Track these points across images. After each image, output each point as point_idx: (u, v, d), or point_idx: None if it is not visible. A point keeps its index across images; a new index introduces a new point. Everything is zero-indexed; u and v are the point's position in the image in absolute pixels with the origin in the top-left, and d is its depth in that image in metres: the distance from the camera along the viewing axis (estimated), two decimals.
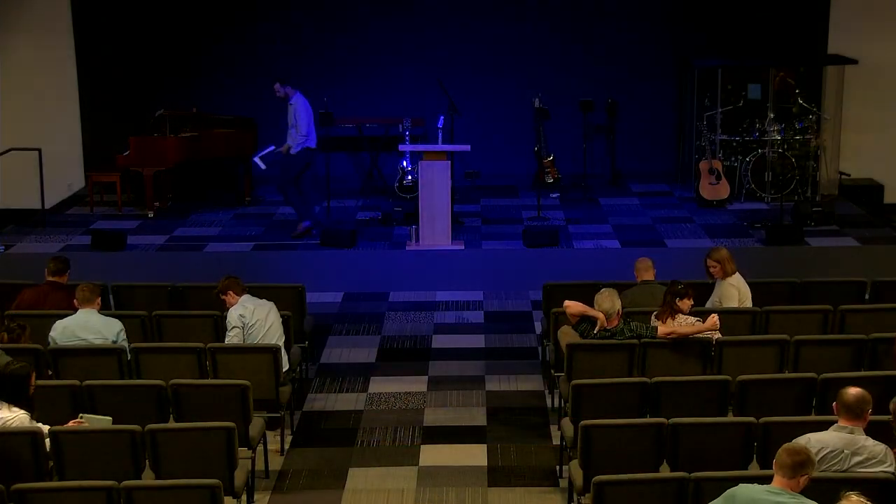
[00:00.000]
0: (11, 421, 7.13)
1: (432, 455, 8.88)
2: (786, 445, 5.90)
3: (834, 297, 9.88)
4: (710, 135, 15.30)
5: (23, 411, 7.18)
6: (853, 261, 12.76)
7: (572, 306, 8.75)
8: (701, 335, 8.62)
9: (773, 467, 5.86)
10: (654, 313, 8.88)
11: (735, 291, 9.59)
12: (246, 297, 9.19)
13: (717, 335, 8.68)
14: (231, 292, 9.18)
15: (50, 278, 9.89)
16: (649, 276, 9.83)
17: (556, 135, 15.56)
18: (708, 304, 9.69)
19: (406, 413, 9.69)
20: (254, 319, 9.05)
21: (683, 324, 8.73)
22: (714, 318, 8.58)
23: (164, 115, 14.75)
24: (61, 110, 16.15)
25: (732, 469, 6.89)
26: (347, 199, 15.46)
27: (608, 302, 8.64)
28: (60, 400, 7.96)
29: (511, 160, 16.35)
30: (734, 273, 9.66)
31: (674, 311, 8.77)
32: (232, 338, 9.02)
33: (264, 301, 9.27)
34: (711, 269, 9.67)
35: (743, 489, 5.81)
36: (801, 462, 5.77)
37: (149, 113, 15.08)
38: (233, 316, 9.07)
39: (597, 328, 8.61)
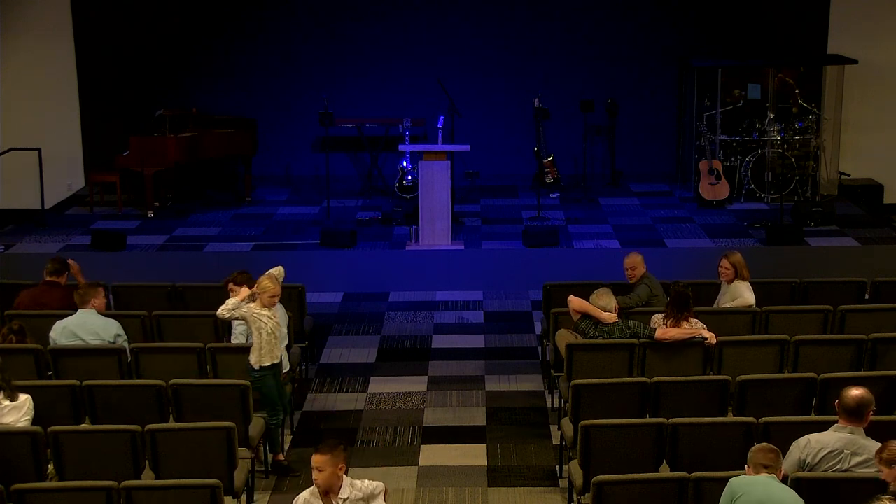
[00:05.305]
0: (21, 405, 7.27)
1: (432, 455, 8.88)
2: (757, 447, 6.16)
3: (834, 297, 9.88)
4: (710, 135, 15.29)
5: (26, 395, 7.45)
6: (853, 261, 12.76)
7: (576, 301, 8.81)
8: (695, 339, 8.62)
9: (753, 470, 6.09)
10: (662, 315, 8.81)
11: (750, 295, 9.55)
12: None
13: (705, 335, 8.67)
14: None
15: (48, 278, 9.89)
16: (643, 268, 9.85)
17: (556, 135, 15.57)
18: (718, 306, 9.64)
19: (406, 413, 9.69)
20: None
21: (690, 329, 8.67)
22: (712, 337, 8.57)
23: (164, 115, 14.75)
24: (61, 110, 16.14)
25: (732, 469, 6.87)
26: (347, 199, 15.45)
27: (604, 300, 8.71)
28: (60, 400, 7.97)
29: (511, 160, 16.35)
30: (746, 279, 9.60)
31: (687, 316, 8.67)
32: (238, 335, 9.00)
33: None
34: (724, 271, 9.54)
35: (736, 480, 6.08)
36: (778, 454, 6.12)
37: (149, 113, 15.09)
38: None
39: (600, 322, 8.61)
